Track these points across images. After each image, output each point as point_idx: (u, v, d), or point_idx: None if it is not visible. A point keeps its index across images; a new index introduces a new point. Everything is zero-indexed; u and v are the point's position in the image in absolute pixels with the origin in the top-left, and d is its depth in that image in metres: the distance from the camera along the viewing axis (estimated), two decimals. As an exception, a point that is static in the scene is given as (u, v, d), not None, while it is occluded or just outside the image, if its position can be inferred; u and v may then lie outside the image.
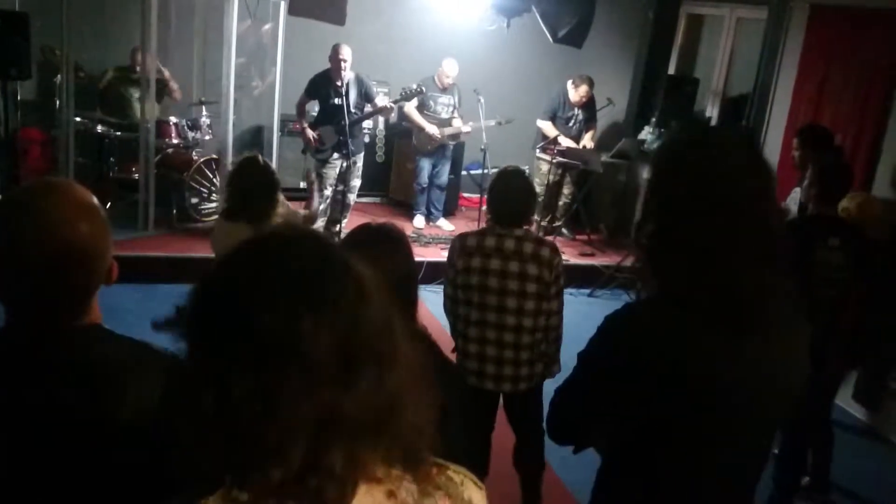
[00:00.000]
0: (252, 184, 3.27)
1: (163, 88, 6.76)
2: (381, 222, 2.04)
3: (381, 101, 6.36)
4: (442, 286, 3.31)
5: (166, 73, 6.80)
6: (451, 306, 3.16)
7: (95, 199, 1.34)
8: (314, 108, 6.55)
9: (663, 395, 1.42)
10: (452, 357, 3.06)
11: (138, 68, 6.74)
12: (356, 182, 6.45)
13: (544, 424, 1.71)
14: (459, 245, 3.10)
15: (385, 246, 1.86)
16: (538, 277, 3.00)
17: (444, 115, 7.17)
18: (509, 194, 3.11)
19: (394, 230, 1.99)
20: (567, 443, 1.68)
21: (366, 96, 6.34)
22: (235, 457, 0.84)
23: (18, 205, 1.28)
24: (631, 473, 1.54)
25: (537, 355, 3.12)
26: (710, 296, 1.38)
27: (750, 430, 1.48)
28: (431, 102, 7.11)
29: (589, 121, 7.37)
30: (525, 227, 3.14)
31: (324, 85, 6.19)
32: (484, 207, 7.06)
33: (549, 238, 4.91)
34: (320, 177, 6.31)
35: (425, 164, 7.31)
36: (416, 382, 0.92)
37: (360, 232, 1.97)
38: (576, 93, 7.14)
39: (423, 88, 6.68)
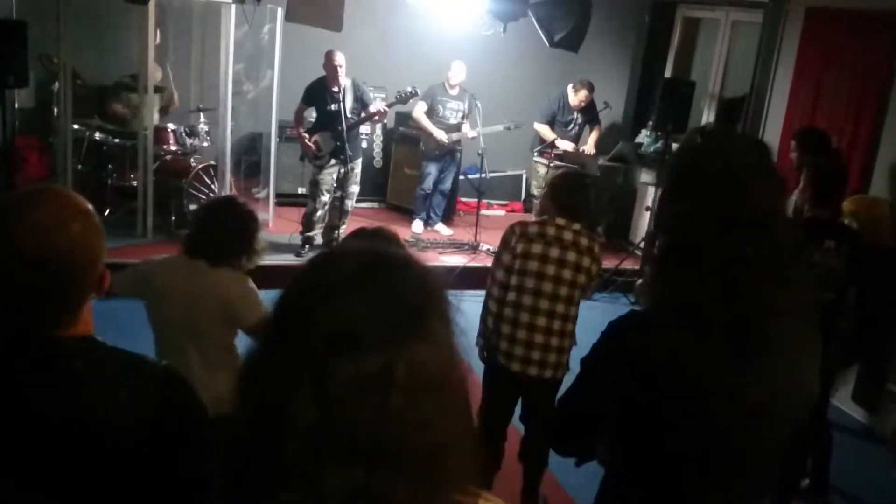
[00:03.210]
0: (222, 230, 2.79)
1: (169, 99, 6.78)
2: (376, 226, 2.07)
3: (377, 105, 6.37)
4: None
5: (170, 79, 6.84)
6: (498, 292, 3.24)
7: (90, 206, 1.32)
8: (312, 115, 6.56)
9: (661, 408, 1.41)
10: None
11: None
12: (354, 188, 6.45)
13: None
14: (520, 230, 3.21)
15: (393, 243, 1.88)
16: (588, 270, 3.22)
17: (453, 121, 7.17)
18: (575, 190, 3.30)
19: (389, 233, 2.02)
20: (570, 453, 1.67)
21: (362, 102, 6.34)
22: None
23: (7, 209, 1.26)
24: (632, 486, 1.53)
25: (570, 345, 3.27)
26: (716, 311, 1.37)
27: (751, 448, 1.46)
28: (440, 107, 7.12)
29: (591, 122, 7.39)
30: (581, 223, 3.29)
31: (320, 92, 6.20)
32: (484, 212, 7.09)
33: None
34: (317, 183, 6.32)
35: (432, 170, 7.30)
36: (464, 411, 0.91)
37: (359, 236, 1.99)
38: (576, 97, 7.16)
39: (418, 90, 6.67)
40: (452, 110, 7.16)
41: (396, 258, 0.92)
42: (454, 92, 7.14)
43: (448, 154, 7.27)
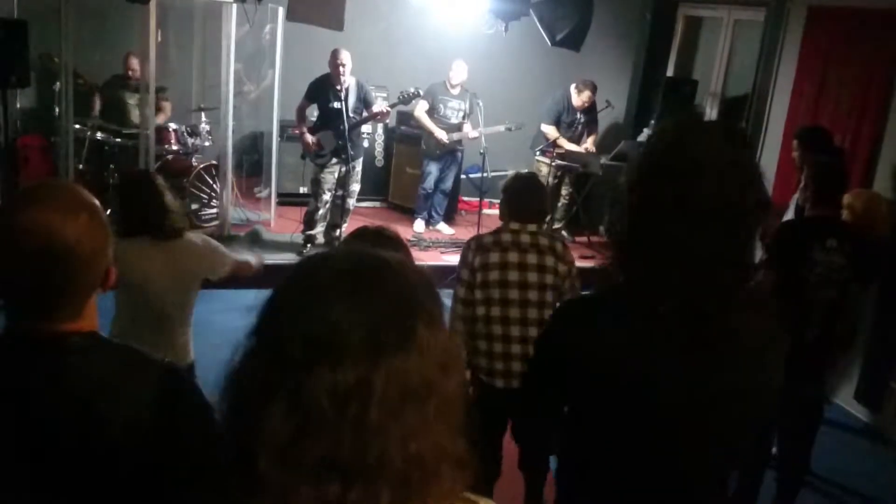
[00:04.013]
0: (138, 206, 2.95)
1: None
2: (378, 225, 2.06)
3: (379, 106, 6.37)
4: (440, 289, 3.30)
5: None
6: (462, 310, 3.13)
7: (96, 201, 1.31)
8: (314, 113, 6.56)
9: (608, 398, 1.39)
10: None
11: (130, 73, 6.76)
12: (355, 187, 6.45)
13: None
14: (475, 244, 3.14)
15: (388, 248, 1.88)
16: (555, 269, 3.08)
17: (454, 120, 7.16)
18: (525, 192, 3.21)
19: (391, 232, 2.01)
20: (536, 413, 1.67)
21: (364, 101, 6.34)
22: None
23: (13, 200, 1.27)
24: (583, 475, 1.52)
25: None
26: (669, 302, 1.34)
27: (702, 440, 1.43)
28: (441, 106, 7.11)
29: (590, 124, 7.38)
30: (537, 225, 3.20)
31: (323, 89, 6.20)
32: (485, 211, 7.08)
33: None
34: (319, 182, 6.32)
35: (433, 169, 7.30)
36: (454, 416, 0.88)
37: (361, 236, 1.98)
38: (579, 97, 7.16)
39: (421, 91, 6.68)
40: (454, 109, 7.15)
41: (383, 263, 0.88)
42: (455, 91, 7.14)
43: (449, 153, 7.27)
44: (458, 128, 7.17)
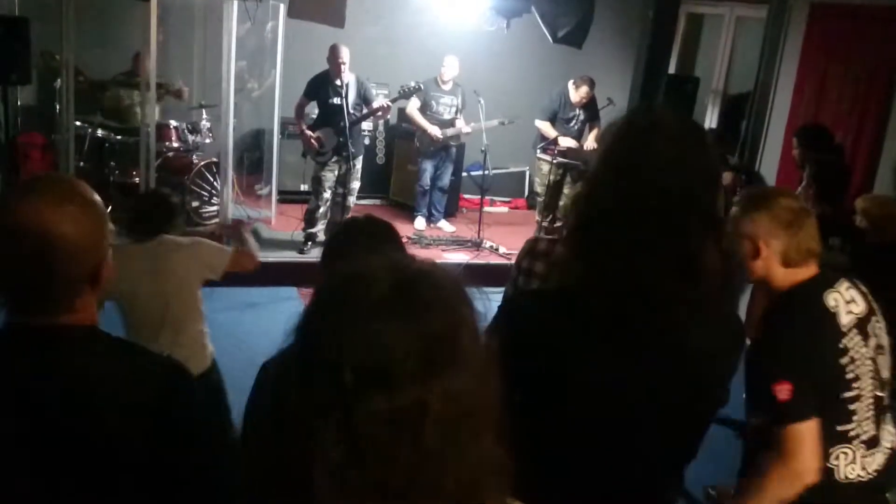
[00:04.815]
0: (151, 205, 3.08)
1: (164, 94, 6.77)
2: (365, 215, 2.05)
3: (379, 102, 6.36)
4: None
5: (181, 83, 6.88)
6: None
7: (94, 196, 1.31)
8: (314, 110, 6.55)
9: (549, 393, 1.37)
10: None
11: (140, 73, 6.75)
12: (355, 184, 6.44)
13: None
14: (529, 248, 3.05)
15: (381, 239, 1.86)
16: None
17: (447, 116, 7.15)
18: None
19: (380, 221, 1.98)
20: None
21: (364, 98, 6.34)
22: None
23: (11, 190, 1.28)
24: (533, 467, 1.51)
25: None
26: (612, 298, 1.33)
27: (647, 440, 1.42)
28: (433, 103, 7.10)
29: (592, 120, 7.36)
30: None
31: (323, 86, 6.19)
32: (487, 209, 7.07)
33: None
34: (319, 180, 6.31)
35: (428, 166, 7.30)
36: (497, 429, 0.86)
37: (355, 231, 1.94)
38: (576, 93, 7.14)
39: (422, 85, 6.68)
40: (446, 105, 7.15)
41: (421, 275, 0.86)
42: (447, 87, 7.13)
43: (443, 150, 7.26)
44: (451, 123, 7.17)
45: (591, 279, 1.37)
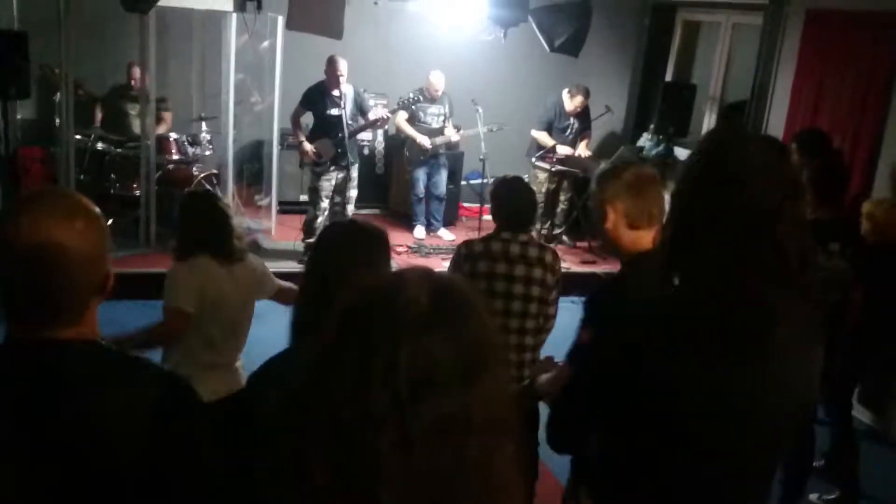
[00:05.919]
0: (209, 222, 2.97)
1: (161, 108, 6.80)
2: (350, 220, 2.05)
3: (376, 113, 6.39)
4: None
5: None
6: None
7: (95, 208, 1.31)
8: (308, 119, 6.56)
9: (654, 405, 1.40)
10: None
11: (133, 82, 6.78)
12: (353, 192, 6.45)
13: (542, 431, 1.70)
14: (465, 251, 3.13)
15: (374, 246, 1.85)
16: (542, 281, 3.07)
17: (435, 125, 7.19)
18: (512, 199, 3.18)
19: (372, 225, 1.97)
20: (565, 449, 1.67)
21: (361, 109, 6.36)
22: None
23: (12, 205, 1.28)
24: (622, 478, 1.52)
25: (537, 356, 3.14)
26: (712, 310, 1.38)
27: (740, 448, 1.45)
28: (421, 113, 7.15)
29: (584, 129, 7.39)
30: (528, 233, 3.18)
31: (320, 96, 6.21)
32: (486, 217, 7.07)
33: (551, 246, 4.93)
34: (316, 190, 6.32)
35: (420, 175, 7.33)
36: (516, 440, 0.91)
37: (343, 235, 1.89)
38: (571, 102, 7.16)
39: (420, 97, 6.71)
40: (433, 115, 7.18)
41: (448, 284, 0.91)
42: (433, 97, 7.16)
43: (433, 157, 7.29)
44: (440, 132, 7.20)
45: (697, 291, 1.43)
